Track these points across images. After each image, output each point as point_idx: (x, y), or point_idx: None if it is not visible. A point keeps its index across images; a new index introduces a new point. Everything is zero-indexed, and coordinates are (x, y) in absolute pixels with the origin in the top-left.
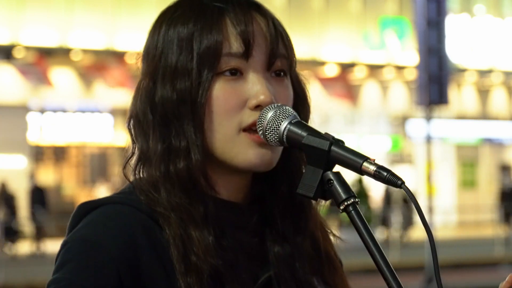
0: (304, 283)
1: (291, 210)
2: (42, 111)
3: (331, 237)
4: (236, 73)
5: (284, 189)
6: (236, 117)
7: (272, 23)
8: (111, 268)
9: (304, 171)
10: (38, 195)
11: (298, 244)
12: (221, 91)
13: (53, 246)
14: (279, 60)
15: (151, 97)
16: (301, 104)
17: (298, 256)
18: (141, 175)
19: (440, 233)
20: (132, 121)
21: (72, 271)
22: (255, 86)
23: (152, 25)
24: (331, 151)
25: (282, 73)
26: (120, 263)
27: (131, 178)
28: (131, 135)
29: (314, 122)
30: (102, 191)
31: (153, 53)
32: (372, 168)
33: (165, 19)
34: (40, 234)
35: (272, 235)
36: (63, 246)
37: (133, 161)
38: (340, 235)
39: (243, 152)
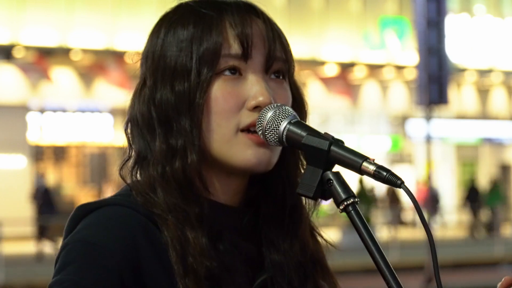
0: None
1: (284, 214)
2: (42, 111)
3: (322, 241)
4: (236, 73)
5: (278, 193)
6: (235, 118)
7: (270, 26)
8: (113, 269)
9: (302, 171)
10: (46, 195)
11: (291, 248)
12: (220, 92)
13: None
14: (277, 62)
15: (151, 99)
16: (298, 109)
17: (291, 261)
18: (138, 177)
19: (440, 233)
20: (130, 124)
21: (75, 272)
22: (254, 87)
23: (151, 30)
24: (330, 151)
25: (281, 75)
26: (122, 264)
27: (128, 180)
28: (128, 138)
29: (314, 122)
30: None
31: (152, 56)
32: (371, 168)
33: (163, 23)
34: (45, 235)
35: (266, 239)
36: (63, 247)
37: (130, 163)
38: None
39: (242, 152)
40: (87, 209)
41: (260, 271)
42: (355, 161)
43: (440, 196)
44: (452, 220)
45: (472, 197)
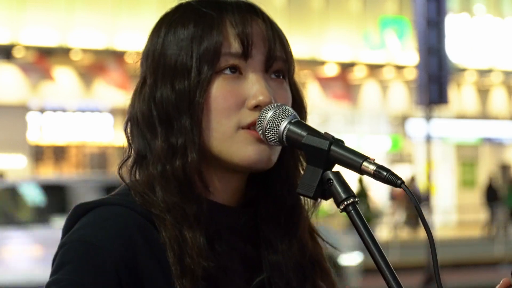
0: None
1: (283, 214)
2: (42, 110)
3: (321, 242)
4: (236, 72)
5: (278, 193)
6: (235, 116)
7: (270, 26)
8: (110, 269)
9: (301, 172)
10: None
11: (289, 249)
12: (220, 90)
13: None
14: (278, 62)
15: (151, 97)
16: (298, 109)
17: (290, 261)
18: (137, 177)
19: (440, 233)
20: (130, 123)
21: (72, 271)
22: (254, 86)
23: (152, 29)
24: (330, 151)
25: (281, 75)
26: (119, 264)
27: (127, 179)
28: (128, 137)
29: (314, 122)
30: None
31: (152, 55)
32: (371, 167)
33: (164, 22)
34: None
35: (264, 239)
36: (60, 247)
37: (129, 163)
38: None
39: (242, 149)
40: (84, 209)
41: (258, 271)
42: (355, 161)
43: (423, 196)
44: (452, 220)
45: (491, 196)
